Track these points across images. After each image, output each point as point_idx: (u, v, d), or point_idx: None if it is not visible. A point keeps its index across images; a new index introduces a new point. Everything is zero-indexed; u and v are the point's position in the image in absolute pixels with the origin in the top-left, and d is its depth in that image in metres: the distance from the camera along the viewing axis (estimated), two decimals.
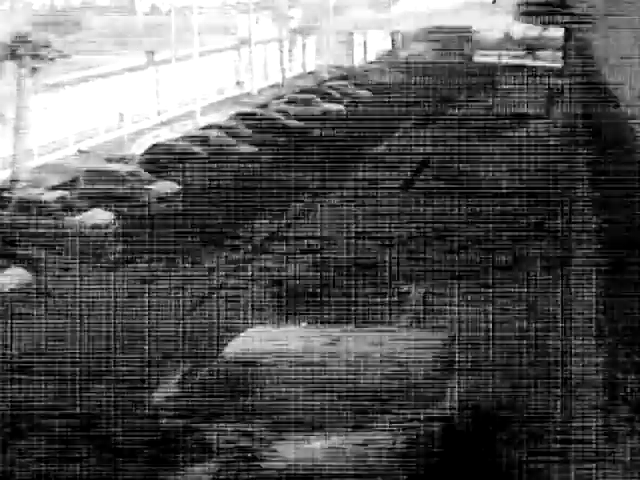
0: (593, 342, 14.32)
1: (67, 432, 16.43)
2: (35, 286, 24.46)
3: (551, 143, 38.58)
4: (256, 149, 41.47)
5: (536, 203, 30.24)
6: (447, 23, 75.00)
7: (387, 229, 27.86)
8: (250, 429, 15.07)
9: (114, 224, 29.75)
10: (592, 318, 15.32)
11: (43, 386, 17.93)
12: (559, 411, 15.08)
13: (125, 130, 45.79)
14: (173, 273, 24.87)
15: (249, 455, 14.67)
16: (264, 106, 52.14)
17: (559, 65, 52.77)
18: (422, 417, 14.80)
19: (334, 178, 35.52)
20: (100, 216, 30.06)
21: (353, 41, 76.49)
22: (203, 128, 45.27)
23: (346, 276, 23.58)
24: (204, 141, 41.16)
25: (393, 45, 79.69)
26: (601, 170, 20.32)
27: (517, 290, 21.93)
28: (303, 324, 18.67)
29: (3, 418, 17.16)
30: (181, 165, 37.24)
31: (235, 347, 17.07)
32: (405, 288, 22.84)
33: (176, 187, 34.47)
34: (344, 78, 62.48)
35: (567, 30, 44.41)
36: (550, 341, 18.20)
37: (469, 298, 21.69)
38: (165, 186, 34.44)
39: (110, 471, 15.24)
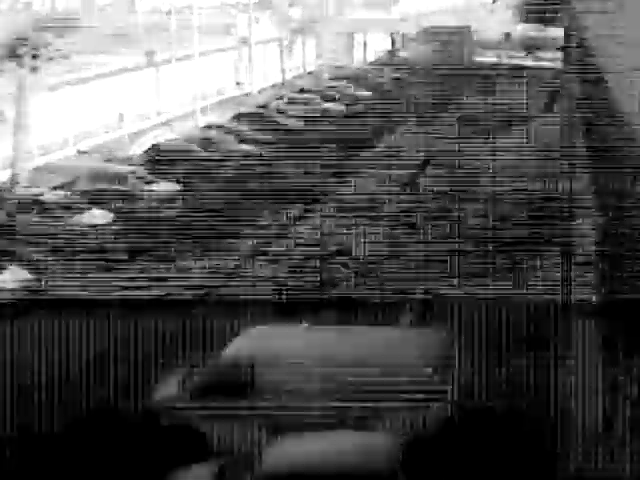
0: None
1: None
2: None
3: None
4: (255, 149, 41.47)
5: None
6: (447, 23, 74.94)
7: None
8: (250, 430, 15.07)
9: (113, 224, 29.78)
10: None
11: None
12: None
13: (125, 130, 45.77)
14: None
15: (249, 456, 14.67)
16: (264, 106, 52.09)
17: (559, 65, 52.70)
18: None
19: None
20: (100, 216, 30.06)
21: (353, 41, 76.44)
22: (203, 128, 45.27)
23: None
24: (204, 141, 41.18)
25: (393, 45, 79.62)
26: None
27: None
28: (304, 324, 18.66)
29: None
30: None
31: (235, 347, 17.07)
32: None
33: (176, 187, 34.47)
34: (344, 78, 62.38)
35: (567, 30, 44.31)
36: None
37: None
38: (165, 186, 34.45)
39: None
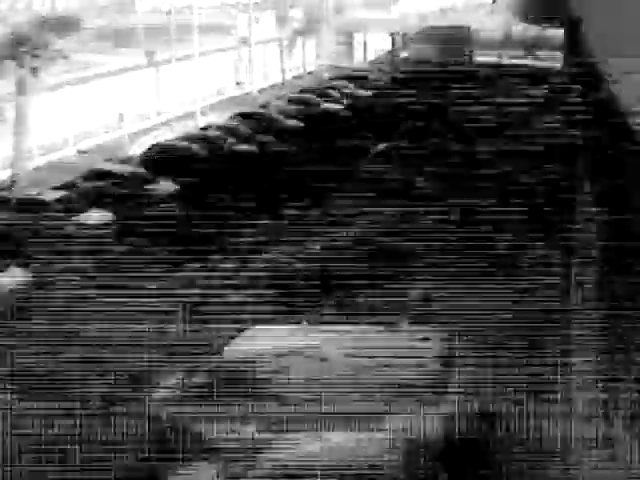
0: None
1: None
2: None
3: None
4: (255, 149, 41.46)
5: None
6: (447, 23, 74.95)
7: None
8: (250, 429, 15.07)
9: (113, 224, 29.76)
10: None
11: None
12: None
13: (125, 130, 45.77)
14: None
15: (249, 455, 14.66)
16: (264, 106, 52.08)
17: (559, 65, 52.63)
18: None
19: None
20: (100, 216, 30.04)
21: (353, 41, 76.45)
22: (203, 128, 45.25)
23: None
24: (204, 141, 41.19)
25: (393, 45, 79.62)
26: None
27: None
28: (304, 323, 18.66)
29: None
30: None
31: (236, 347, 17.07)
32: None
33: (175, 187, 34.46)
34: (344, 78, 62.32)
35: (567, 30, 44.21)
36: None
37: None
38: (165, 186, 34.43)
39: None
